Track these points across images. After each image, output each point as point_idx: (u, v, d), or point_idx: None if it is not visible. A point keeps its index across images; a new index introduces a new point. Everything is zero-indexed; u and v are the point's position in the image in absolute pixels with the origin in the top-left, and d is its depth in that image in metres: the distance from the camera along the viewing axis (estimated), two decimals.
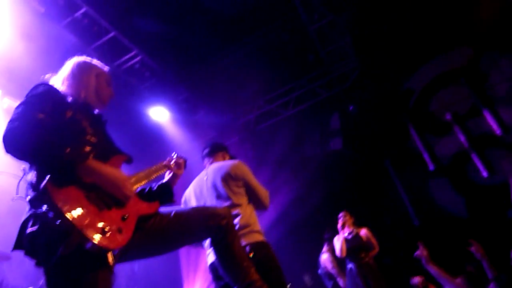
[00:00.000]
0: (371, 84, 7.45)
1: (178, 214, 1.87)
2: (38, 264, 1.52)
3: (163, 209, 1.89)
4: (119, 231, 1.53)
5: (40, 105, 1.66)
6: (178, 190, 3.06)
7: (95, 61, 2.12)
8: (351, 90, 7.64)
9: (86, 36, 5.61)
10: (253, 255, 2.56)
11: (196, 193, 3.00)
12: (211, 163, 3.14)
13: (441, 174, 7.04)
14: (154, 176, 2.06)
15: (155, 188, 2.10)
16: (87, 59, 2.10)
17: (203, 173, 3.08)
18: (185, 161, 2.51)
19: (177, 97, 7.40)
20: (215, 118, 8.17)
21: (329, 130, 7.83)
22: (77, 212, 1.44)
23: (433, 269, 3.35)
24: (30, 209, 1.52)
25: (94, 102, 2.01)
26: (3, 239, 1.54)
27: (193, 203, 2.99)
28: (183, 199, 3.12)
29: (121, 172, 1.76)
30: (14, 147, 1.51)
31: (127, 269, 7.32)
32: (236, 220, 2.69)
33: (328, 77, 7.70)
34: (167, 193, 2.11)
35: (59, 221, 1.40)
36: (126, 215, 1.62)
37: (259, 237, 2.73)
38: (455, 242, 6.21)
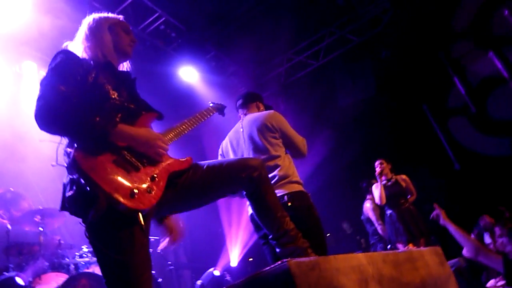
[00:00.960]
0: (405, 26, 7.01)
1: (210, 167, 1.88)
2: (83, 222, 1.62)
3: (196, 163, 1.91)
4: (149, 191, 1.57)
5: (60, 78, 1.68)
6: (214, 142, 3.11)
7: (106, 14, 2.06)
8: (383, 34, 7.25)
9: (109, 0, 5.59)
10: (291, 204, 2.58)
11: (232, 145, 3.00)
12: (245, 114, 3.11)
13: (483, 116, 6.71)
14: (187, 129, 2.05)
15: None
16: (97, 15, 2.04)
17: (238, 125, 3.06)
18: (223, 107, 2.55)
19: (204, 55, 7.34)
20: (245, 74, 8.08)
21: (362, 77, 7.55)
22: (105, 177, 1.50)
23: (450, 226, 3.27)
24: (68, 174, 1.61)
25: (116, 58, 1.99)
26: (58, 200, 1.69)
27: (230, 154, 3.00)
28: (219, 150, 3.13)
29: (151, 131, 1.78)
30: (46, 125, 1.57)
31: None
32: (275, 172, 2.70)
33: (359, 22, 7.32)
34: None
35: (88, 187, 1.49)
36: (156, 175, 1.65)
37: (298, 187, 2.73)
38: (498, 185, 6.05)
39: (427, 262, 1.90)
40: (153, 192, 1.58)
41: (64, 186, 1.65)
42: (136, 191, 1.52)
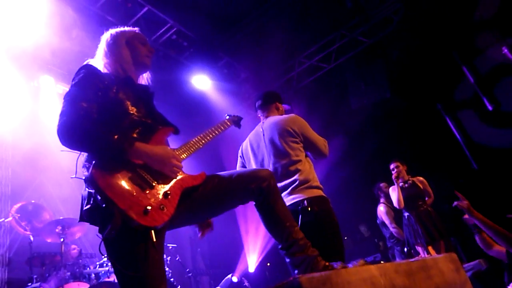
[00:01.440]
0: (416, 26, 6.94)
1: (221, 180, 1.92)
2: (100, 231, 1.69)
3: (208, 175, 1.94)
4: (161, 208, 1.61)
5: (82, 93, 1.76)
6: (232, 150, 3.14)
7: (122, 28, 2.12)
8: (395, 35, 7.19)
9: (121, 14, 5.71)
10: (311, 209, 2.59)
11: (253, 147, 3.02)
12: (266, 117, 3.11)
13: (500, 114, 6.57)
14: (202, 145, 2.09)
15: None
16: (114, 30, 2.11)
17: (259, 127, 3.07)
18: (239, 119, 2.59)
19: (216, 63, 7.41)
20: (257, 80, 8.12)
21: (373, 79, 7.50)
22: (120, 194, 1.55)
23: (478, 221, 3.19)
24: (85, 187, 1.68)
25: (135, 70, 2.06)
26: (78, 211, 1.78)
27: (250, 156, 3.01)
28: (239, 151, 3.15)
29: (167, 149, 1.82)
30: (67, 141, 1.65)
31: (190, 231, 7.79)
32: (296, 176, 2.72)
33: (369, 23, 7.27)
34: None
35: (104, 204, 1.55)
36: (169, 191, 1.70)
37: (318, 192, 2.74)
38: None
39: (442, 270, 1.88)
40: (165, 209, 1.62)
41: (83, 198, 1.71)
42: (149, 208, 1.57)
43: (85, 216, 1.68)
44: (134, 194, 1.59)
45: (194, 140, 2.08)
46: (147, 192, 1.64)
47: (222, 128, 2.29)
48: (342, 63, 7.75)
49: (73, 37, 5.38)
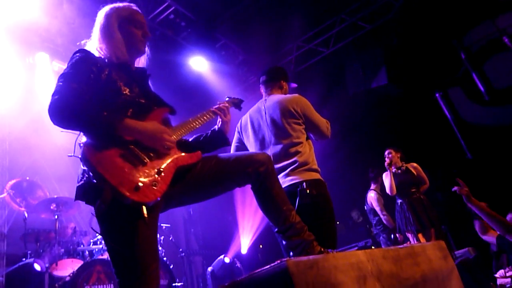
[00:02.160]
0: (417, 13, 6.86)
1: (219, 162, 1.92)
2: (87, 202, 1.71)
3: (205, 156, 1.94)
4: (154, 185, 1.61)
5: (75, 75, 1.75)
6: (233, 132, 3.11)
7: (117, 5, 2.03)
8: (395, 21, 7.11)
9: None
10: (309, 192, 2.60)
11: (253, 124, 2.97)
12: (269, 94, 3.07)
13: (497, 103, 6.59)
14: (199, 125, 2.08)
15: (209, 134, 2.18)
16: (108, 7, 2.03)
17: (260, 104, 3.02)
18: (240, 101, 2.55)
19: (214, 44, 7.33)
20: (254, 63, 8.05)
21: (372, 65, 7.45)
22: (111, 170, 1.56)
23: (475, 207, 3.24)
24: (81, 165, 1.69)
25: (130, 55, 2.01)
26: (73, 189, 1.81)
27: (249, 133, 2.98)
28: (238, 125, 3.11)
29: (158, 125, 1.81)
30: (57, 119, 1.64)
31: (184, 212, 7.87)
32: (295, 157, 2.71)
33: (370, 8, 7.19)
34: (221, 138, 2.18)
35: (95, 180, 1.56)
36: (162, 169, 1.69)
37: (316, 175, 2.74)
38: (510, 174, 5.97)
39: (429, 257, 1.92)
40: (158, 186, 1.62)
41: (78, 177, 1.72)
42: (141, 184, 1.57)
43: (78, 193, 1.69)
44: (126, 170, 1.59)
45: (190, 119, 2.07)
46: (139, 168, 1.64)
47: (221, 109, 2.25)
48: (341, 48, 7.68)
49: (68, 14, 5.29)
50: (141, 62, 2.16)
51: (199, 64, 7.25)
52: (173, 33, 6.71)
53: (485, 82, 6.58)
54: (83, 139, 1.74)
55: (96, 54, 1.93)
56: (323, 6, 7.13)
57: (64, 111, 1.63)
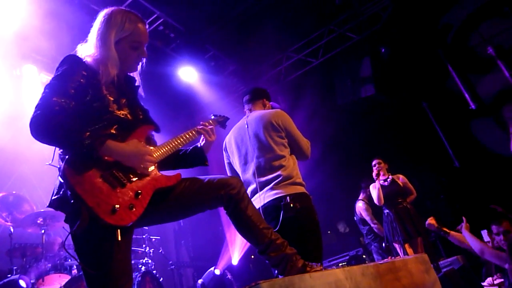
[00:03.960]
0: (404, 23, 6.97)
1: (191, 183, 1.92)
2: (65, 220, 1.70)
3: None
4: (130, 208, 1.61)
5: (62, 88, 1.72)
6: (219, 146, 3.11)
7: (117, 18, 1.93)
8: (383, 32, 7.22)
9: (107, 3, 5.60)
10: (293, 205, 2.60)
11: (237, 141, 2.98)
12: (251, 110, 3.10)
13: (483, 113, 6.68)
14: (182, 144, 2.08)
15: (188, 151, 2.17)
16: (111, 14, 1.94)
17: (243, 121, 3.04)
18: (225, 119, 2.56)
19: (203, 55, 7.36)
20: (244, 73, 8.10)
21: (360, 75, 7.53)
22: (90, 192, 1.55)
23: (451, 237, 3.41)
24: (59, 176, 1.67)
25: (120, 71, 1.97)
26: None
27: (234, 150, 2.98)
28: (223, 145, 3.12)
29: (139, 145, 1.79)
30: (37, 135, 1.63)
31: (174, 224, 7.82)
32: (279, 171, 2.71)
33: (358, 19, 7.29)
34: (199, 157, 2.17)
35: (72, 200, 1.55)
36: (140, 191, 1.69)
37: (301, 189, 2.74)
38: (498, 182, 6.04)
39: (411, 271, 1.93)
40: (134, 209, 1.62)
41: (56, 185, 1.71)
42: (117, 207, 1.57)
43: (54, 204, 1.69)
44: (104, 191, 1.59)
45: (174, 138, 2.06)
46: (118, 191, 1.63)
47: (206, 130, 2.24)
48: (330, 59, 7.76)
49: (56, 26, 5.28)
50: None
51: (188, 74, 7.26)
52: (162, 44, 6.73)
53: (473, 95, 6.67)
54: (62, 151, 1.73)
55: (88, 60, 1.87)
56: (312, 17, 7.21)
57: (45, 129, 1.61)
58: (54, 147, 1.75)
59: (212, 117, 2.48)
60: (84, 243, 1.65)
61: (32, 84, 5.92)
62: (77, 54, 1.91)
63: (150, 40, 6.42)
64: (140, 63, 2.10)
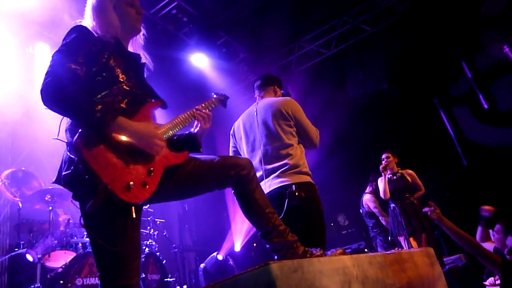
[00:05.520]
0: (420, 18, 6.87)
1: (202, 162, 1.91)
2: (74, 197, 1.68)
3: (189, 156, 1.92)
4: (144, 185, 1.61)
5: (73, 55, 1.68)
6: (227, 127, 3.10)
7: None
8: (398, 25, 7.12)
9: None
10: (298, 194, 2.59)
11: (245, 127, 2.98)
12: (262, 97, 3.08)
13: (495, 112, 6.60)
14: (187, 124, 2.04)
15: (182, 137, 2.08)
16: None
17: (252, 107, 3.03)
18: (226, 98, 2.45)
19: (215, 41, 7.33)
20: (255, 61, 8.06)
21: (372, 69, 7.46)
22: (104, 168, 1.53)
23: (445, 227, 3.28)
24: (67, 151, 1.64)
25: (125, 35, 1.98)
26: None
27: (242, 136, 2.98)
28: (231, 130, 3.12)
29: (150, 127, 1.77)
30: (49, 103, 1.59)
31: (179, 208, 7.88)
32: (286, 160, 2.70)
33: (372, 11, 7.20)
34: (193, 143, 2.08)
35: (87, 176, 1.52)
36: (152, 169, 1.69)
37: (307, 178, 2.74)
38: (505, 183, 6.00)
39: (416, 263, 1.93)
40: (147, 186, 1.62)
41: (63, 161, 1.68)
42: (132, 183, 1.56)
43: (63, 181, 1.65)
44: (118, 168, 1.57)
45: (180, 118, 2.02)
46: (131, 167, 1.62)
47: (208, 107, 2.19)
48: (342, 51, 7.69)
49: (69, 4, 5.27)
50: (136, 44, 2.11)
51: (199, 60, 7.24)
52: (174, 28, 6.70)
53: (488, 100, 6.58)
54: (68, 122, 1.70)
55: (93, 31, 1.86)
56: (326, 8, 7.13)
57: (58, 96, 1.58)
58: (60, 121, 1.72)
59: (214, 96, 2.40)
60: (98, 220, 1.64)
61: (44, 63, 5.95)
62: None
63: (163, 24, 6.49)
64: (142, 35, 2.10)
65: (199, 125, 2.09)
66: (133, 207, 1.60)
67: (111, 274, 1.65)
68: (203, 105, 2.16)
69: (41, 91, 1.59)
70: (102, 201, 1.52)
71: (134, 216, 1.60)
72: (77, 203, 1.70)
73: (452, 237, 3.19)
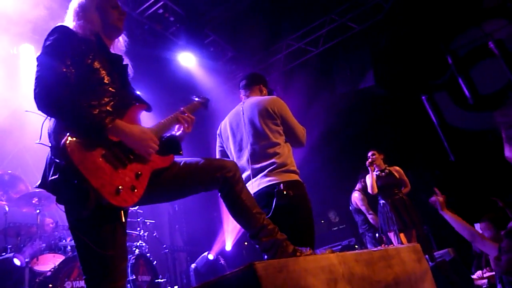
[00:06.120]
0: (406, 15, 6.93)
1: (187, 165, 1.91)
2: (58, 201, 1.65)
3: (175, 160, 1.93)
4: (132, 189, 1.60)
5: (59, 57, 1.67)
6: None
7: None
8: (384, 23, 7.17)
9: None
10: (287, 193, 2.59)
11: (232, 127, 2.96)
12: (248, 96, 3.06)
13: (481, 107, 6.70)
14: (171, 127, 2.04)
15: (163, 139, 2.03)
16: None
17: (239, 107, 3.01)
18: (207, 101, 2.45)
19: (203, 40, 7.29)
20: (243, 60, 8.04)
21: (360, 66, 7.51)
22: (93, 172, 1.51)
23: (447, 216, 3.34)
24: (51, 155, 1.61)
25: (108, 36, 1.98)
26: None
27: (229, 136, 2.96)
28: (218, 130, 3.10)
29: (145, 129, 1.78)
30: (45, 108, 1.58)
31: (169, 208, 7.85)
32: (273, 159, 2.69)
33: (359, 9, 7.24)
34: (175, 146, 2.04)
35: (76, 181, 1.49)
36: (140, 172, 1.68)
37: (295, 177, 2.72)
38: (491, 178, 6.09)
39: (403, 259, 1.96)
40: (136, 190, 1.62)
41: (47, 165, 1.65)
42: (121, 188, 1.55)
43: (50, 186, 1.62)
44: (107, 172, 1.56)
45: (164, 121, 2.01)
46: (119, 171, 1.61)
47: (191, 111, 2.18)
48: (330, 48, 7.72)
49: (56, 5, 5.20)
50: (118, 45, 2.10)
51: (187, 60, 7.20)
52: (161, 28, 6.66)
53: (470, 87, 6.68)
54: (52, 125, 1.66)
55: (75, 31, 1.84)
56: (313, 6, 7.15)
57: (52, 104, 1.57)
58: (42, 124, 1.70)
59: (196, 99, 2.39)
60: (86, 224, 1.63)
61: (29, 64, 5.87)
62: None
63: (149, 23, 6.44)
64: (123, 37, 2.10)
65: (181, 128, 2.09)
66: (122, 212, 1.60)
67: (97, 277, 1.64)
68: (185, 109, 2.15)
69: (35, 97, 1.58)
70: (94, 205, 1.51)
71: (123, 220, 1.60)
72: (62, 207, 1.68)
73: (454, 225, 3.25)
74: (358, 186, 6.32)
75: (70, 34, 1.78)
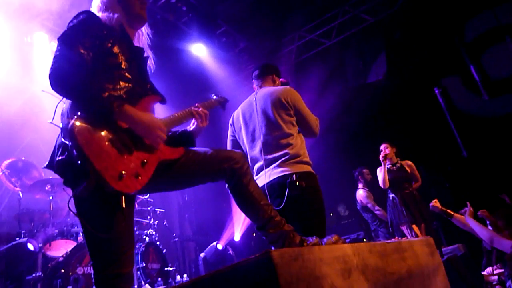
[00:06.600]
0: (421, 7, 6.81)
1: (195, 155, 1.91)
2: (65, 183, 1.67)
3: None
4: (136, 176, 1.60)
5: (80, 38, 1.70)
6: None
7: None
8: (398, 15, 7.06)
9: None
10: (299, 184, 2.58)
11: (245, 117, 2.95)
12: (261, 87, 3.06)
13: (495, 94, 6.58)
14: (185, 121, 2.05)
15: (178, 133, 2.08)
16: None
17: (251, 97, 3.00)
18: (226, 101, 2.48)
19: (214, 31, 7.27)
20: (255, 51, 8.01)
21: (373, 59, 7.42)
22: (98, 155, 1.51)
23: (472, 222, 3.35)
24: (60, 136, 1.63)
25: (131, 26, 2.01)
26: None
27: (241, 126, 2.96)
28: (230, 120, 3.10)
29: (154, 118, 1.77)
30: (58, 87, 1.60)
31: (179, 197, 7.91)
32: (286, 149, 2.69)
33: (373, 1, 7.14)
34: (188, 140, 2.09)
35: (80, 161, 1.50)
36: (146, 160, 1.68)
37: (307, 168, 2.72)
38: (504, 176, 6.01)
39: (416, 253, 1.95)
40: (140, 178, 1.61)
41: (56, 146, 1.67)
42: (124, 173, 1.54)
43: (56, 166, 1.64)
44: (112, 156, 1.56)
45: (177, 114, 2.02)
46: (125, 157, 1.61)
47: (208, 108, 2.20)
48: (342, 40, 7.64)
49: None
50: (141, 37, 2.12)
51: (199, 50, 7.20)
52: (174, 18, 6.65)
53: (482, 74, 6.57)
54: (67, 107, 1.68)
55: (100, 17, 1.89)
56: None
57: (67, 81, 1.59)
58: (56, 105, 1.73)
59: (214, 97, 2.41)
60: (89, 207, 1.64)
61: (42, 52, 5.91)
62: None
63: (162, 13, 6.43)
64: (146, 29, 2.12)
65: (195, 123, 2.10)
66: (123, 197, 1.59)
67: (103, 262, 1.66)
68: (200, 104, 2.16)
69: (50, 76, 1.60)
70: (93, 186, 1.51)
71: (123, 206, 1.59)
72: (69, 190, 1.68)
73: (476, 229, 3.29)
74: (360, 184, 6.30)
75: (94, 18, 1.83)
